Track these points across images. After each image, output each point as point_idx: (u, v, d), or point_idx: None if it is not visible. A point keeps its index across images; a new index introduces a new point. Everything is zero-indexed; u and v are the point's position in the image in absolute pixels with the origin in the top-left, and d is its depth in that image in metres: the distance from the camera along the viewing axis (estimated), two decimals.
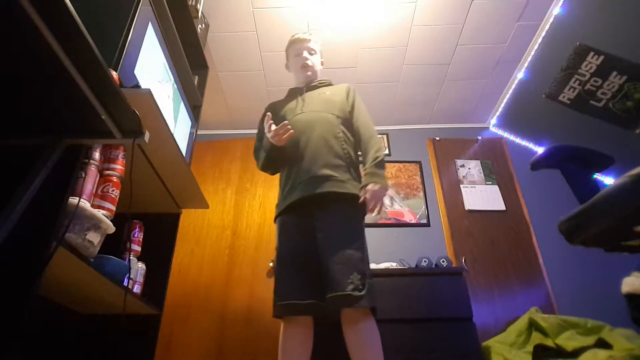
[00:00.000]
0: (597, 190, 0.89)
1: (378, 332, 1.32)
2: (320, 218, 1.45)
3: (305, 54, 1.76)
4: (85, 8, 0.75)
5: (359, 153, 1.64)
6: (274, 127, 1.51)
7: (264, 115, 1.70)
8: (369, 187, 1.43)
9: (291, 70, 1.85)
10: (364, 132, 1.61)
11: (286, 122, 1.49)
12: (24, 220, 0.68)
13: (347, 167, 1.52)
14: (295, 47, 1.79)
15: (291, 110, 1.69)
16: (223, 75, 2.90)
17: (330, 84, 1.82)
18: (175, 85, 1.58)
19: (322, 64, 1.85)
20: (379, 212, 1.46)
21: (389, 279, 1.97)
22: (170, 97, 1.51)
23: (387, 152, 3.28)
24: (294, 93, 1.79)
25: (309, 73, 1.77)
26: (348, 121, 1.66)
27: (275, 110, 1.76)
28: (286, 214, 1.53)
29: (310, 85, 1.78)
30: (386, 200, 1.46)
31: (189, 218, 2.79)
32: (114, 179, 1.08)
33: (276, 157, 1.61)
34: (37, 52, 0.61)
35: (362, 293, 1.27)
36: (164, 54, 1.46)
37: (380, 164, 1.50)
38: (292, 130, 1.48)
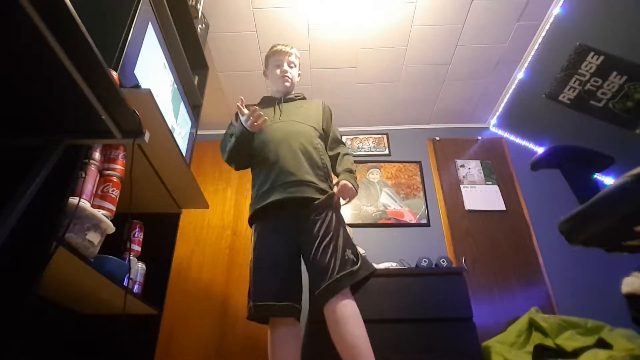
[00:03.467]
0: (597, 190, 0.88)
1: (359, 313, 1.33)
2: (301, 222, 1.47)
3: (286, 65, 1.81)
4: (85, 8, 0.75)
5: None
6: (246, 111, 1.56)
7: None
8: (343, 182, 1.55)
9: (269, 78, 1.88)
10: (338, 148, 1.73)
11: (256, 107, 1.55)
12: (24, 220, 0.68)
13: (324, 176, 1.59)
14: (277, 58, 1.83)
15: (269, 118, 1.72)
16: (223, 75, 2.90)
17: (304, 98, 1.88)
18: (175, 85, 1.58)
19: (299, 75, 1.91)
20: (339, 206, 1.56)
21: (389, 279, 1.97)
22: (170, 97, 1.51)
23: (387, 152, 3.28)
24: (270, 101, 1.83)
25: (288, 84, 1.82)
26: (322, 135, 1.74)
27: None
28: (263, 217, 1.54)
29: (287, 96, 1.83)
30: (353, 195, 1.58)
31: (189, 218, 2.79)
32: (114, 179, 1.08)
33: (245, 146, 1.60)
34: (37, 52, 0.61)
35: (359, 264, 1.37)
36: (164, 54, 1.46)
37: (354, 176, 1.61)
38: (265, 117, 1.54)
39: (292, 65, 1.85)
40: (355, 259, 1.39)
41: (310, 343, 1.73)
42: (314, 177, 1.54)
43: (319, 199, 1.49)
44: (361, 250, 1.72)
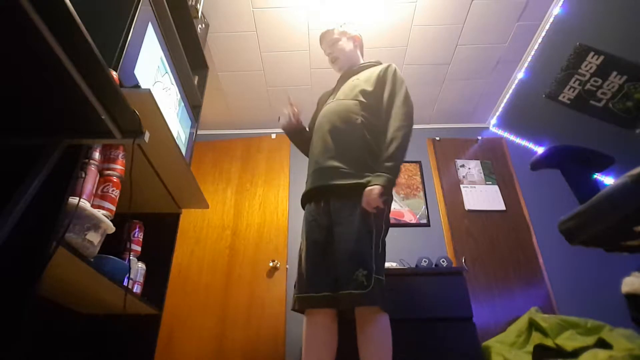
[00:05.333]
0: (597, 190, 0.89)
1: (389, 331, 1.30)
2: (335, 210, 1.42)
3: (329, 48, 1.82)
4: (85, 8, 0.75)
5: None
6: (285, 111, 1.70)
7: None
8: (367, 190, 1.39)
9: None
10: (387, 120, 1.51)
11: (292, 105, 1.68)
12: (24, 220, 0.68)
13: (360, 157, 1.45)
14: (322, 47, 1.87)
15: (324, 102, 1.78)
16: (223, 75, 2.90)
17: (370, 66, 1.75)
18: (175, 85, 1.58)
19: (356, 39, 1.84)
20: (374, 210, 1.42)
21: (389, 279, 1.96)
22: (170, 97, 1.51)
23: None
24: (336, 83, 1.86)
25: (338, 65, 1.83)
26: (373, 106, 1.56)
27: (320, 100, 1.90)
28: (307, 203, 1.56)
29: (347, 72, 1.81)
30: (377, 201, 1.37)
31: (189, 218, 2.79)
32: (114, 179, 1.08)
33: (296, 142, 1.83)
34: (37, 52, 0.60)
35: (366, 291, 1.24)
36: (164, 54, 1.46)
37: (391, 159, 1.40)
38: (295, 113, 1.68)
39: (336, 41, 1.82)
40: (365, 282, 1.25)
41: None
42: (340, 162, 1.44)
43: (345, 184, 1.41)
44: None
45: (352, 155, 1.45)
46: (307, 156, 1.72)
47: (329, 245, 1.40)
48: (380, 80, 1.61)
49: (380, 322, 1.29)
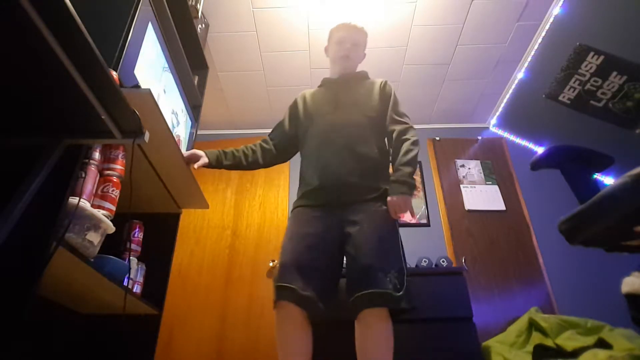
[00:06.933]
0: (597, 190, 0.88)
1: (393, 335, 1.25)
2: (352, 214, 1.37)
3: (349, 44, 1.66)
4: (85, 8, 0.75)
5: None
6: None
7: (294, 102, 1.72)
8: (388, 199, 1.39)
9: (329, 55, 1.74)
10: (394, 135, 1.51)
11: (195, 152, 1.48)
12: (24, 220, 0.68)
13: (375, 173, 1.46)
14: (341, 35, 1.67)
15: (321, 109, 1.61)
16: (223, 75, 2.90)
17: (366, 78, 1.71)
18: (175, 85, 1.58)
19: (364, 56, 1.76)
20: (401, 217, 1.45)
21: None
22: (170, 97, 1.51)
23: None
24: (328, 86, 1.70)
25: (347, 64, 1.67)
26: (380, 122, 1.57)
27: (305, 104, 1.68)
28: (308, 207, 1.46)
29: (345, 78, 1.68)
30: (407, 206, 1.41)
31: (189, 218, 2.79)
32: (114, 179, 1.08)
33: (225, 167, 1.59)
34: (37, 52, 0.61)
35: (401, 293, 1.21)
36: (164, 54, 1.46)
37: (406, 167, 1.41)
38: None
39: (357, 44, 1.69)
40: (399, 285, 1.23)
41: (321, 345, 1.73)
42: (359, 178, 1.41)
43: (368, 198, 1.39)
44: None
45: (366, 172, 1.44)
46: (247, 169, 1.65)
47: (330, 248, 1.35)
48: (384, 96, 1.60)
49: (388, 325, 1.24)
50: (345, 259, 1.40)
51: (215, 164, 1.54)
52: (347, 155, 1.45)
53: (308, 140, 1.57)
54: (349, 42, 1.66)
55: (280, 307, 1.28)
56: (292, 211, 1.53)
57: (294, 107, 1.73)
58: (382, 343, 1.22)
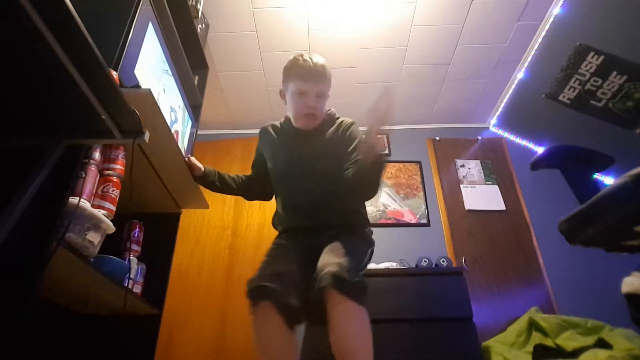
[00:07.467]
0: (597, 190, 0.88)
1: (368, 319, 1.09)
2: (326, 236, 1.29)
3: (314, 98, 1.35)
4: (85, 8, 0.75)
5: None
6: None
7: (258, 140, 1.57)
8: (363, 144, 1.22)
9: (288, 104, 1.44)
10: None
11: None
12: (24, 220, 0.68)
13: (351, 219, 1.38)
14: (302, 86, 1.35)
15: (286, 151, 1.44)
16: (223, 75, 2.90)
17: (331, 124, 1.45)
18: (175, 85, 1.58)
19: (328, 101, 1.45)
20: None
21: (389, 279, 1.97)
22: (170, 97, 1.51)
23: (387, 151, 3.28)
24: (290, 136, 1.47)
25: (311, 124, 1.40)
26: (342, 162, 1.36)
27: (270, 141, 1.51)
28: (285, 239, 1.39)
29: (309, 134, 1.43)
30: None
31: (189, 218, 2.79)
32: (114, 179, 1.08)
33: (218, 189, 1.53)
34: (37, 52, 0.61)
35: (347, 277, 1.05)
36: (164, 54, 1.46)
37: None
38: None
39: (323, 97, 1.37)
40: (348, 269, 1.09)
41: (309, 344, 1.73)
42: (339, 219, 1.34)
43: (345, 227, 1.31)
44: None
45: (342, 220, 1.36)
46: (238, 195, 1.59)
47: (302, 272, 1.23)
48: (348, 142, 1.39)
49: (360, 306, 1.09)
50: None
51: (204, 178, 1.50)
52: (326, 205, 1.35)
53: (277, 188, 1.48)
54: (313, 93, 1.35)
55: (259, 308, 1.11)
56: (273, 242, 1.43)
57: (259, 146, 1.58)
58: (362, 331, 1.07)
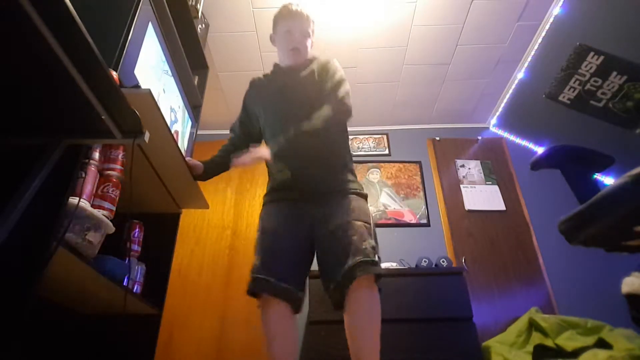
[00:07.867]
0: (597, 190, 0.88)
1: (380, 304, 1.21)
2: (319, 206, 1.35)
3: (299, 35, 1.56)
4: (85, 8, 0.75)
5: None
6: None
7: (246, 92, 1.70)
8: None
9: (276, 45, 1.66)
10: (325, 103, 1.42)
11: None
12: (24, 220, 0.68)
13: (339, 170, 1.45)
14: (288, 25, 1.58)
15: (271, 101, 1.56)
16: (223, 75, 2.90)
17: (313, 61, 1.60)
18: (175, 85, 1.58)
19: (311, 45, 1.64)
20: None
21: (388, 279, 1.97)
22: (170, 97, 1.51)
23: (387, 152, 3.28)
24: (278, 74, 1.63)
25: (297, 57, 1.57)
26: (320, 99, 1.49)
27: (260, 84, 1.67)
28: (276, 203, 1.42)
29: (296, 70, 1.58)
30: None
31: (189, 218, 2.79)
32: (114, 179, 1.08)
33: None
34: (37, 52, 0.61)
35: (375, 259, 1.20)
36: (164, 54, 1.46)
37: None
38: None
39: (307, 34, 1.58)
40: (372, 254, 1.22)
41: (310, 343, 1.73)
42: (319, 170, 1.40)
43: (341, 191, 1.38)
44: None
45: (330, 170, 1.43)
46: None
47: (302, 240, 1.32)
48: (324, 75, 1.53)
49: (377, 292, 1.22)
50: (316, 252, 1.35)
51: (205, 176, 1.52)
52: (316, 158, 1.41)
53: (266, 132, 1.55)
54: (297, 32, 1.56)
55: (262, 301, 1.24)
56: (263, 205, 1.47)
57: (246, 97, 1.71)
58: (375, 311, 1.19)
